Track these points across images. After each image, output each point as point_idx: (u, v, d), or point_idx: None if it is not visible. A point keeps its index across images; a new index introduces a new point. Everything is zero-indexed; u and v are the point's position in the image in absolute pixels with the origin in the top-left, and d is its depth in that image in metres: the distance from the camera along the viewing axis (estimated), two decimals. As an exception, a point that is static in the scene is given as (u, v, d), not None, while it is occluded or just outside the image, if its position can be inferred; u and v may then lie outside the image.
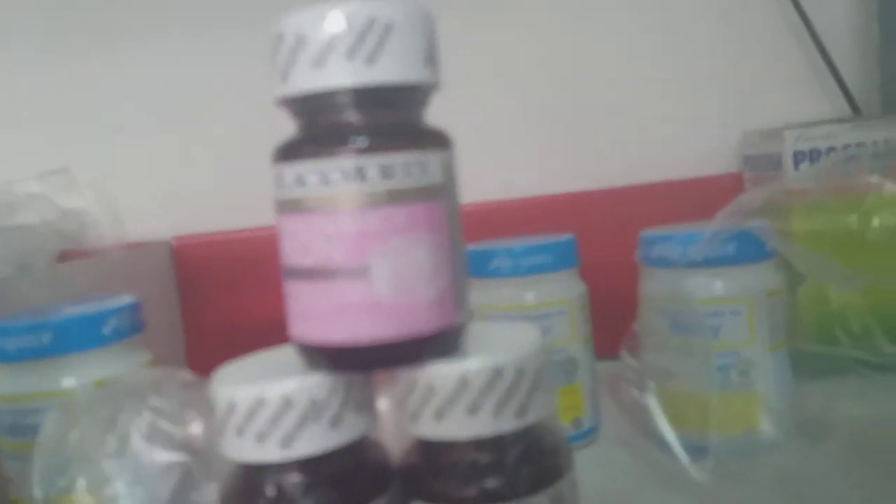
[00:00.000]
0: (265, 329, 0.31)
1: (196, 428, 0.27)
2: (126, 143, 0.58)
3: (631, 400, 0.38)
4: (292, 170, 0.23)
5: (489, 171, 0.54)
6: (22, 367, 0.33)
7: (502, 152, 0.57)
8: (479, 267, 0.40)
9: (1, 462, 0.33)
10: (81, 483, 0.26)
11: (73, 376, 0.33)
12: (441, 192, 0.23)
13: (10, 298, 0.37)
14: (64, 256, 0.46)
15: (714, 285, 0.37)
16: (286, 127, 0.26)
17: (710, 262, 0.37)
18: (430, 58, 0.23)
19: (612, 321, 0.40)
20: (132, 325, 0.35)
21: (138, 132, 0.58)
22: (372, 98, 0.23)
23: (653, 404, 0.36)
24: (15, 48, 0.58)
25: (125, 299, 0.36)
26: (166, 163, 0.58)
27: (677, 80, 0.57)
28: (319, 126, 0.23)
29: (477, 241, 0.42)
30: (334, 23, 0.22)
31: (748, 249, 0.37)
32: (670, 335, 0.38)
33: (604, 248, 0.48)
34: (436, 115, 0.26)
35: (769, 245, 0.37)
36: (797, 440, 0.36)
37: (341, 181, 0.22)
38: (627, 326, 0.40)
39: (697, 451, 0.34)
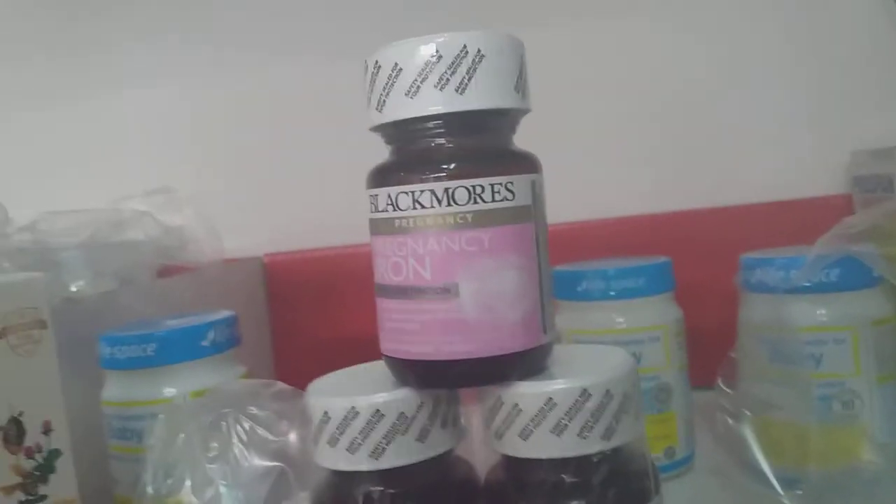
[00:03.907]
0: (351, 344, 0.32)
1: (291, 436, 0.28)
2: (221, 163, 0.61)
3: (727, 430, 0.37)
4: (385, 193, 0.24)
5: (583, 190, 0.53)
6: (129, 375, 0.35)
7: (596, 170, 0.56)
8: (568, 289, 0.40)
9: (108, 462, 0.35)
10: (187, 484, 0.28)
11: (174, 386, 0.34)
12: (528, 214, 0.24)
13: (114, 310, 0.39)
14: (165, 271, 0.48)
15: (817, 312, 0.36)
16: (377, 150, 0.27)
17: (813, 288, 0.36)
18: (519, 84, 0.24)
19: (710, 348, 0.39)
20: (229, 339, 0.37)
21: (234, 153, 0.61)
22: (462, 124, 0.24)
23: (749, 435, 0.35)
24: (113, 73, 0.62)
25: (223, 313, 0.37)
26: (259, 182, 0.61)
27: (782, 95, 0.55)
28: (412, 151, 0.24)
29: (568, 262, 0.42)
30: (428, 53, 0.23)
31: (853, 275, 0.35)
32: (769, 364, 0.37)
33: (702, 272, 0.46)
34: (534, 134, 0.27)
35: (876, 271, 0.35)
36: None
37: (431, 204, 0.23)
38: (725, 354, 0.39)
39: (794, 483, 0.32)
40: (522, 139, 0.26)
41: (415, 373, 0.24)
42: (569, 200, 0.38)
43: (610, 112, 0.57)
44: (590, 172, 0.55)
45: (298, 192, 0.60)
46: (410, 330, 0.24)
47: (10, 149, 0.64)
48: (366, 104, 0.25)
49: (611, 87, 0.56)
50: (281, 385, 0.30)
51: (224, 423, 0.28)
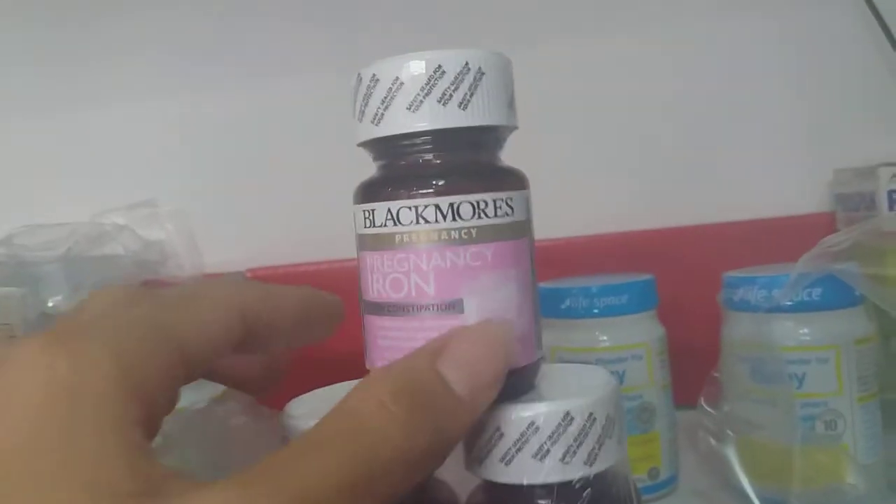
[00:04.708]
0: (333, 362, 0.32)
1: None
2: (204, 178, 0.61)
3: (710, 450, 0.37)
4: (384, 207, 0.23)
5: (565, 207, 0.53)
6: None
7: (579, 187, 0.56)
8: (552, 306, 0.39)
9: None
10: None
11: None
12: (525, 229, 0.24)
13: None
14: (145, 286, 0.48)
15: (799, 331, 0.36)
16: (361, 165, 0.27)
17: (795, 307, 0.36)
18: (512, 102, 0.25)
19: (693, 367, 0.39)
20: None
21: (217, 168, 0.61)
22: (461, 140, 0.24)
23: (732, 455, 0.35)
24: (97, 86, 0.62)
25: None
26: (243, 197, 0.60)
27: (766, 114, 0.55)
28: (409, 166, 0.24)
29: (552, 279, 0.42)
30: (431, 68, 0.23)
31: (835, 294, 0.35)
32: (752, 383, 0.37)
33: (685, 290, 0.46)
34: (516, 150, 0.27)
35: (858, 290, 0.35)
36: (888, 498, 0.34)
37: (436, 219, 0.23)
38: (708, 373, 0.39)
39: (778, 505, 0.32)
40: (506, 155, 0.26)
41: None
42: (551, 217, 0.38)
43: (593, 129, 0.57)
44: (572, 189, 0.55)
45: (282, 207, 0.60)
46: (411, 348, 0.23)
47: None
48: (355, 117, 0.25)
49: (594, 105, 0.57)
50: (257, 405, 0.29)
51: (195, 448, 0.28)
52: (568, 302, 0.39)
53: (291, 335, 0.27)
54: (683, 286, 0.46)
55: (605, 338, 0.39)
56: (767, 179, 0.55)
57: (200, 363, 0.23)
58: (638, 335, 0.39)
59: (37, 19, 0.62)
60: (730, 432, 0.35)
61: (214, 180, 0.61)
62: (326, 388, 0.28)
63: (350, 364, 0.28)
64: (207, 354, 0.23)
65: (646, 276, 0.41)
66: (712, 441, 0.36)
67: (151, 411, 0.20)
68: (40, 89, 0.62)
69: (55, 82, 0.62)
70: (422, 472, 0.21)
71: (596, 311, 0.39)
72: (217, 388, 0.36)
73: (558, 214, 0.49)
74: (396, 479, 0.20)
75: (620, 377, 0.38)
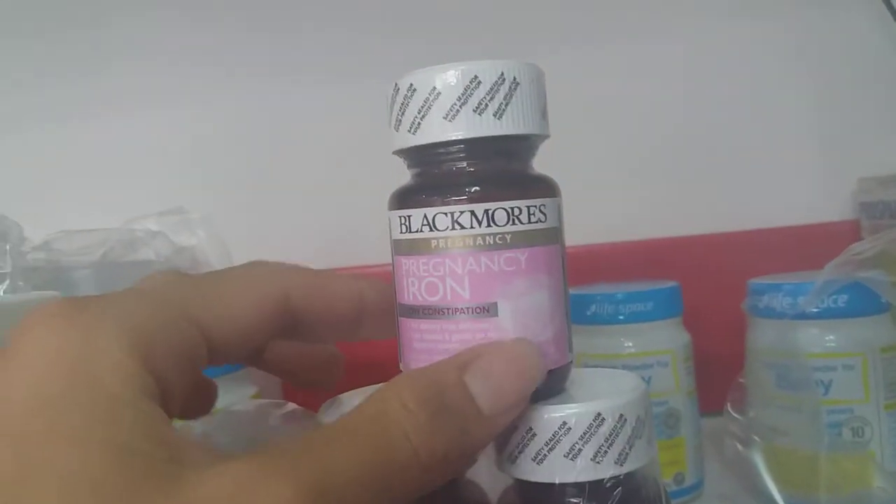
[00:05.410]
0: (360, 365, 0.32)
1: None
2: (235, 184, 0.61)
3: (735, 456, 0.37)
4: (421, 213, 0.24)
5: (590, 214, 0.54)
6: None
7: (604, 195, 0.56)
8: (577, 312, 0.39)
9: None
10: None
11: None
12: (557, 236, 0.25)
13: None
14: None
15: (825, 338, 0.36)
16: (391, 170, 0.27)
17: (820, 315, 0.36)
18: (545, 111, 0.25)
19: (718, 374, 0.39)
20: (241, 359, 0.37)
21: (248, 174, 0.62)
22: (496, 148, 0.25)
23: (758, 461, 0.35)
24: (128, 94, 0.63)
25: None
26: (273, 203, 0.61)
27: (790, 122, 0.55)
28: (444, 173, 0.25)
29: (577, 286, 0.42)
30: (468, 79, 0.24)
31: (861, 301, 0.35)
32: (777, 390, 0.37)
33: (710, 297, 0.46)
34: (546, 157, 0.27)
35: (884, 297, 0.35)
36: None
37: (471, 225, 0.24)
38: (733, 380, 0.39)
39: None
40: (536, 162, 0.27)
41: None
42: (577, 224, 0.38)
43: (618, 137, 0.57)
44: (598, 196, 0.56)
45: (311, 212, 0.60)
46: (446, 350, 0.24)
47: (25, 168, 0.64)
48: (391, 126, 0.25)
49: (619, 112, 0.57)
50: (292, 405, 0.30)
51: (236, 446, 0.28)
52: (593, 308, 0.40)
53: (345, 327, 0.26)
54: (709, 293, 0.46)
55: (630, 344, 0.39)
56: (792, 187, 0.55)
57: (226, 345, 0.22)
58: (663, 342, 0.39)
59: (63, 28, 0.63)
60: (756, 438, 0.35)
61: (242, 187, 0.61)
62: (361, 389, 0.29)
63: (386, 366, 0.29)
64: (232, 336, 0.23)
65: (671, 284, 0.41)
66: (738, 447, 0.36)
67: (164, 386, 0.20)
68: (69, 99, 0.63)
69: (84, 92, 0.63)
70: (438, 478, 0.21)
71: (621, 317, 0.39)
72: (251, 390, 0.37)
73: (584, 221, 0.50)
74: (412, 481, 0.20)
75: (646, 383, 0.38)
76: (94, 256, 0.43)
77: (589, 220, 0.53)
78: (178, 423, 0.33)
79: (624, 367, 0.38)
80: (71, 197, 0.61)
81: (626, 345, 0.39)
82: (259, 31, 0.61)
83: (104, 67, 0.63)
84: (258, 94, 0.61)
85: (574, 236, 0.48)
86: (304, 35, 0.60)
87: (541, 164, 0.26)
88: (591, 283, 0.43)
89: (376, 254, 0.30)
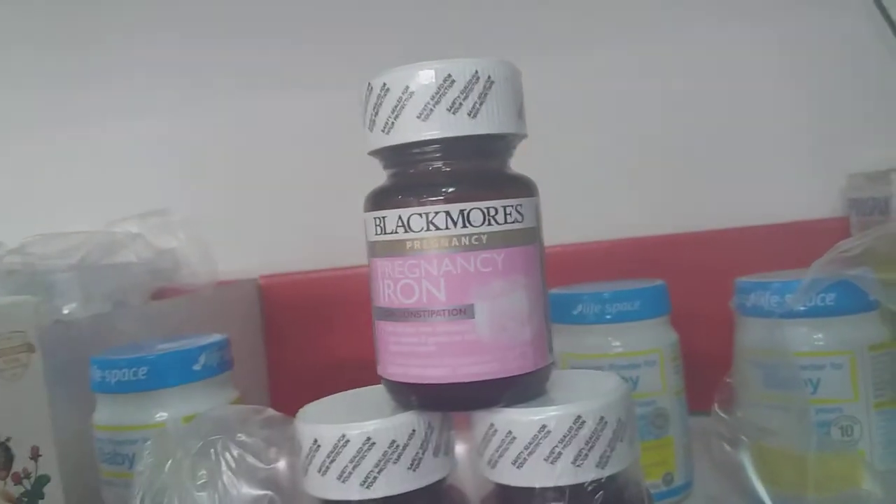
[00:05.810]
0: (345, 368, 0.32)
1: (280, 464, 0.27)
2: (217, 186, 0.61)
3: (724, 456, 0.37)
4: (395, 214, 0.24)
5: (578, 213, 0.53)
6: (120, 399, 0.34)
7: (590, 193, 0.56)
8: (563, 312, 0.39)
9: (99, 488, 0.34)
10: (176, 510, 0.27)
11: (166, 410, 0.34)
12: (535, 236, 0.24)
13: (106, 333, 0.39)
14: (158, 294, 0.48)
15: (813, 337, 0.36)
16: (372, 173, 0.27)
17: (808, 313, 0.35)
18: (521, 110, 0.25)
19: (706, 373, 0.39)
20: (222, 362, 0.36)
21: (230, 176, 0.61)
22: (470, 147, 0.24)
23: (746, 461, 0.34)
24: (109, 100, 0.62)
25: (215, 337, 0.37)
26: (256, 204, 0.61)
27: (778, 119, 0.55)
28: (419, 173, 0.24)
29: (563, 286, 0.42)
30: (441, 77, 0.23)
31: (849, 299, 0.35)
32: (765, 389, 0.36)
33: (697, 296, 0.46)
34: (527, 156, 0.27)
35: (872, 295, 0.35)
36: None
37: (446, 225, 0.23)
38: (721, 379, 0.38)
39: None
40: (518, 162, 0.26)
41: (425, 395, 0.24)
42: (563, 223, 0.38)
43: (605, 135, 0.57)
44: (584, 195, 0.55)
45: (295, 214, 0.60)
46: (424, 353, 0.23)
47: (5, 174, 0.64)
48: (365, 126, 0.25)
49: (607, 111, 0.57)
50: (270, 411, 0.29)
51: (213, 450, 0.28)
52: (580, 308, 0.39)
53: None
54: (696, 292, 0.46)
55: (617, 343, 0.39)
56: (781, 184, 0.55)
57: None
58: (651, 341, 0.39)
59: (43, 34, 0.63)
60: (744, 438, 0.35)
61: (227, 189, 0.61)
62: (338, 394, 0.28)
63: (362, 371, 0.28)
64: None
65: (658, 282, 0.41)
66: (727, 447, 0.36)
67: None
68: (50, 105, 0.63)
69: (66, 99, 0.63)
70: None
71: (608, 316, 0.39)
72: (232, 395, 0.37)
73: (570, 221, 0.49)
74: None
75: (634, 383, 0.38)
76: (73, 260, 0.42)
77: (576, 219, 0.53)
78: (168, 423, 0.32)
79: (611, 366, 0.38)
80: (50, 202, 0.61)
81: (613, 344, 0.39)
82: (233, 39, 0.61)
83: (85, 74, 0.63)
84: (238, 99, 0.61)
85: (561, 235, 0.48)
86: (279, 41, 0.60)
87: (527, 164, 0.26)
88: (578, 283, 0.43)
89: (357, 256, 0.29)
